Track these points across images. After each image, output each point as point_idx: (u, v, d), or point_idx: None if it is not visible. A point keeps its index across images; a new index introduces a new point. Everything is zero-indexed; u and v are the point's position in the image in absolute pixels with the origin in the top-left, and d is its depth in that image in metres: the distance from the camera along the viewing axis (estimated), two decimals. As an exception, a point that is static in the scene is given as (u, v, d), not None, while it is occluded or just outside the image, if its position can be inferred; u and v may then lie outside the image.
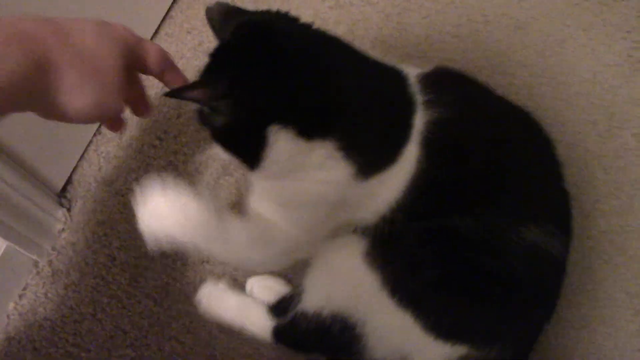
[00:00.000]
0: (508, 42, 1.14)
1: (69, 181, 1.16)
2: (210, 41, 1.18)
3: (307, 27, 0.69)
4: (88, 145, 1.18)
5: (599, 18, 1.14)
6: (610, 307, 0.90)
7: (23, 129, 0.98)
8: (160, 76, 0.66)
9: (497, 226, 0.69)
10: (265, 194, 0.74)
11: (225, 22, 0.69)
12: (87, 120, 0.57)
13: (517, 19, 1.16)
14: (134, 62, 0.62)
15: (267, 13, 0.70)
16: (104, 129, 1.18)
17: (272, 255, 0.75)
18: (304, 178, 0.67)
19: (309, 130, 0.64)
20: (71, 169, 1.16)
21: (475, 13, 1.18)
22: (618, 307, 0.90)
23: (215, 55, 0.65)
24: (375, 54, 1.16)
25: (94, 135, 1.18)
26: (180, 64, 1.15)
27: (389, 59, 0.76)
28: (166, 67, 0.66)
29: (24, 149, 1.02)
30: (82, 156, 1.18)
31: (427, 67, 0.77)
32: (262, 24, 0.67)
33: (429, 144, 0.69)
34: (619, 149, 1.01)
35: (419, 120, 0.70)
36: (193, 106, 0.66)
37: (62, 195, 1.14)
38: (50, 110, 0.55)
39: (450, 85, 0.76)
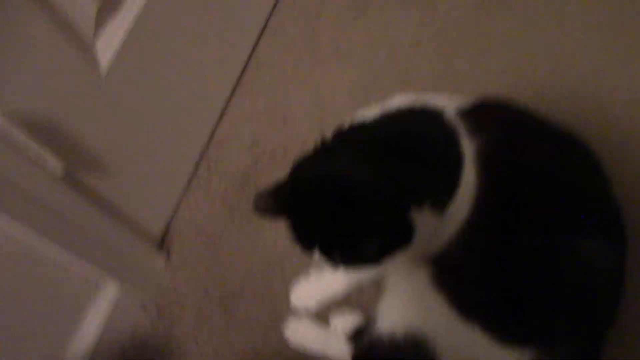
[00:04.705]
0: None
1: (167, 228, 1.31)
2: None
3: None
4: (182, 195, 1.33)
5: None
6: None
7: (121, 183, 1.13)
8: None
9: (554, 242, 0.75)
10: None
11: (274, 201, 0.77)
12: None
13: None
14: None
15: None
16: (199, 173, 1.35)
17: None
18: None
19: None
20: (169, 217, 1.32)
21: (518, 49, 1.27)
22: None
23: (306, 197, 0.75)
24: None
25: (188, 183, 1.34)
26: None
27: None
28: None
29: (123, 202, 1.15)
30: (178, 205, 1.33)
31: (472, 98, 0.84)
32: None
33: (482, 169, 0.75)
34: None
35: (469, 148, 0.76)
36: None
37: (162, 241, 1.30)
38: None
39: (496, 113, 0.83)
